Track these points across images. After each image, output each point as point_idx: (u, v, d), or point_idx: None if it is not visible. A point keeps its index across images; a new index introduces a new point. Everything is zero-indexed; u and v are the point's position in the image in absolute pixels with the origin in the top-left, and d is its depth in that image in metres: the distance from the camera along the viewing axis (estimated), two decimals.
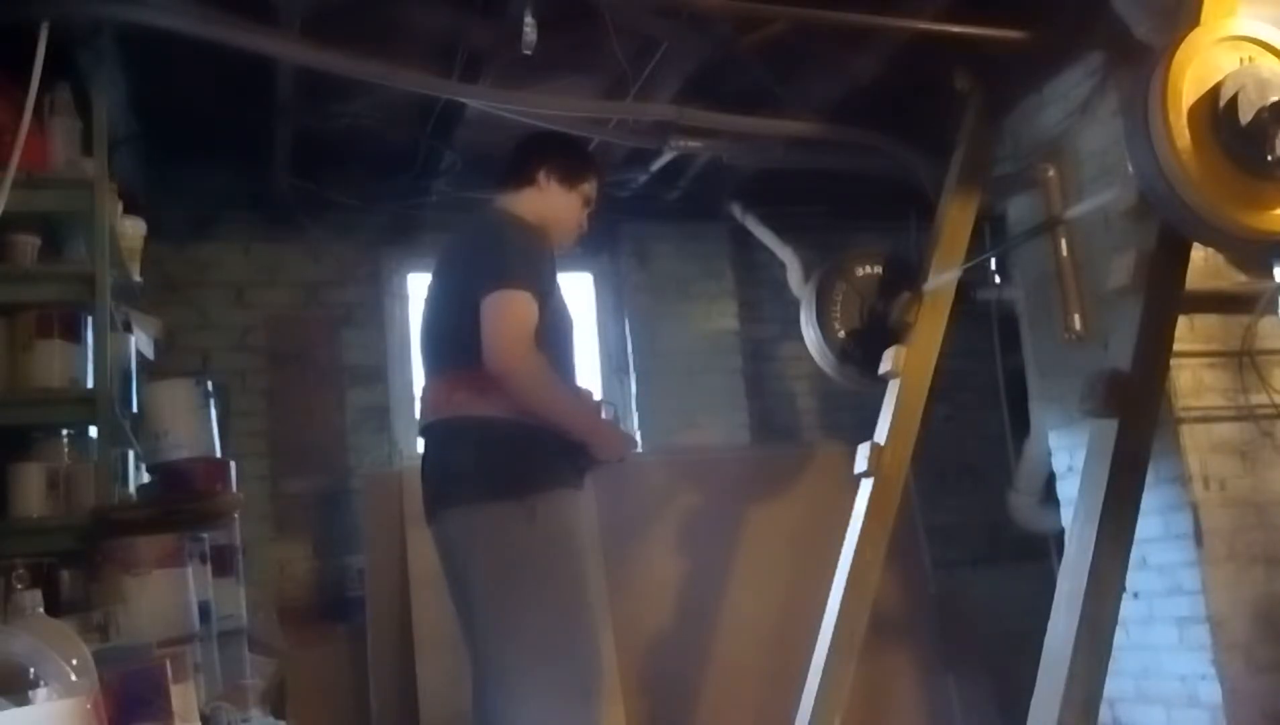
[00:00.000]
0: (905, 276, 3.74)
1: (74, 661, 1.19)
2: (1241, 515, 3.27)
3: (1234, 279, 3.38)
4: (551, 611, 2.26)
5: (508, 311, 2.30)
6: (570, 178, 2.65)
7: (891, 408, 3.41)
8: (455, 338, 2.42)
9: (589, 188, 2.70)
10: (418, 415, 2.58)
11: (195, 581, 2.29)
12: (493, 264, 2.37)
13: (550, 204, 2.61)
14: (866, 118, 3.80)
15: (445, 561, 2.45)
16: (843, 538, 3.32)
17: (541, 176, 2.62)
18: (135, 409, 2.91)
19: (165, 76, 3.41)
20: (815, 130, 3.81)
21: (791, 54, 3.51)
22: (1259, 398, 3.36)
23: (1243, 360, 3.36)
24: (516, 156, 2.69)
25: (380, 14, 3.24)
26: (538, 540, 2.27)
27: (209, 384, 3.08)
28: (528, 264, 2.39)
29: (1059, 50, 3.57)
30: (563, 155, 2.69)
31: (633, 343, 4.75)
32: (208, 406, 3.01)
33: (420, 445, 2.56)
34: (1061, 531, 3.78)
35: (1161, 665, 3.33)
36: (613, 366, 4.77)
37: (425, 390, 2.54)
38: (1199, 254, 3.07)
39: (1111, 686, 2.89)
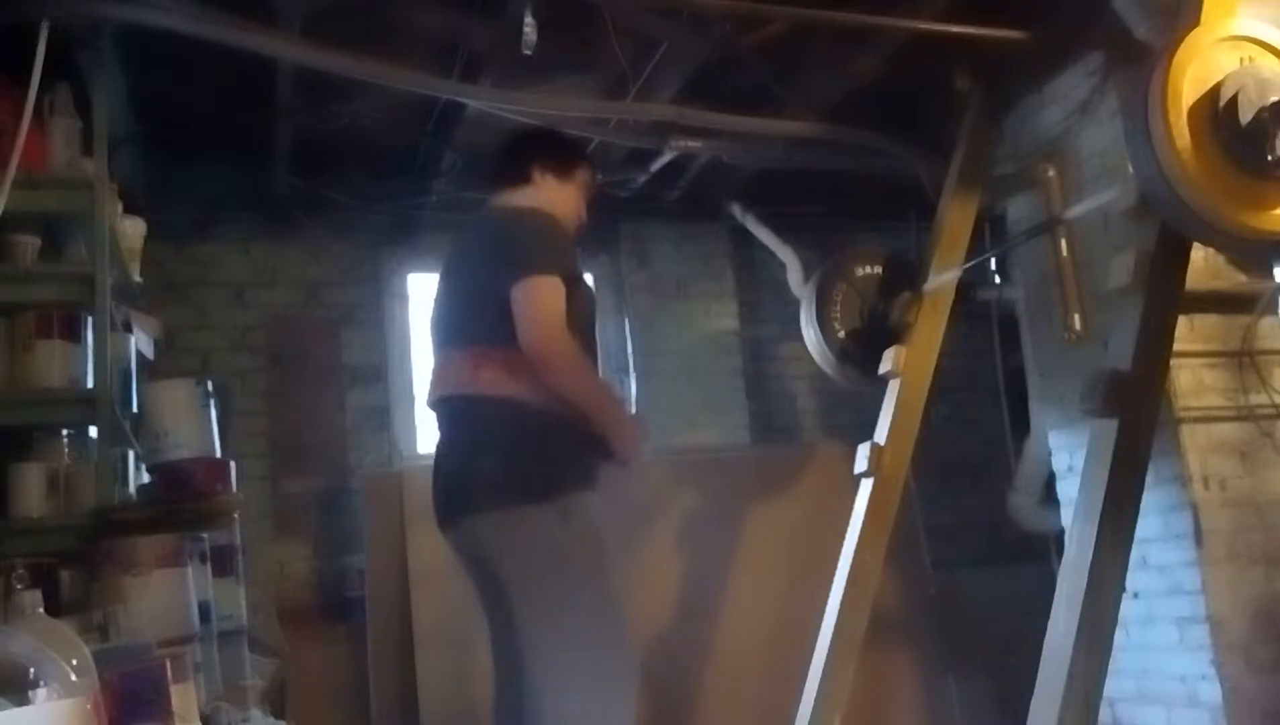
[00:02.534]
0: (905, 276, 3.74)
1: (74, 661, 1.19)
2: (1241, 515, 3.27)
3: (1234, 279, 3.38)
4: (590, 609, 2.27)
5: (539, 297, 2.30)
6: (563, 170, 2.65)
7: (891, 408, 3.41)
8: (484, 316, 2.39)
9: (583, 176, 2.70)
10: (430, 388, 2.52)
11: (195, 581, 2.29)
12: (517, 254, 2.37)
13: (548, 199, 2.60)
14: (866, 118, 3.80)
15: (472, 564, 2.44)
16: (843, 538, 3.33)
17: (536, 174, 2.62)
18: (135, 409, 2.91)
19: (165, 76, 3.41)
20: (815, 130, 3.81)
21: (791, 54, 3.51)
22: (1259, 398, 3.36)
23: (1243, 360, 3.36)
24: (507, 158, 2.69)
25: (380, 14, 3.24)
26: (572, 540, 2.28)
27: (209, 384, 3.08)
28: (550, 250, 2.39)
29: (1059, 50, 3.57)
30: (552, 150, 2.70)
31: (633, 343, 4.75)
32: (208, 406, 3.01)
33: (434, 421, 2.52)
34: (1061, 531, 3.78)
35: (1161, 665, 3.33)
36: (613, 366, 4.77)
37: (443, 363, 2.50)
38: (1199, 254, 3.07)
39: (1111, 686, 2.89)
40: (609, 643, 2.28)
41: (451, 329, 2.52)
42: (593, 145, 4.04)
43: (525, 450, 2.32)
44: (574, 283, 2.41)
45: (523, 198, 2.60)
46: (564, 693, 2.23)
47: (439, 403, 2.48)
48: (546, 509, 2.28)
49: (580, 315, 2.43)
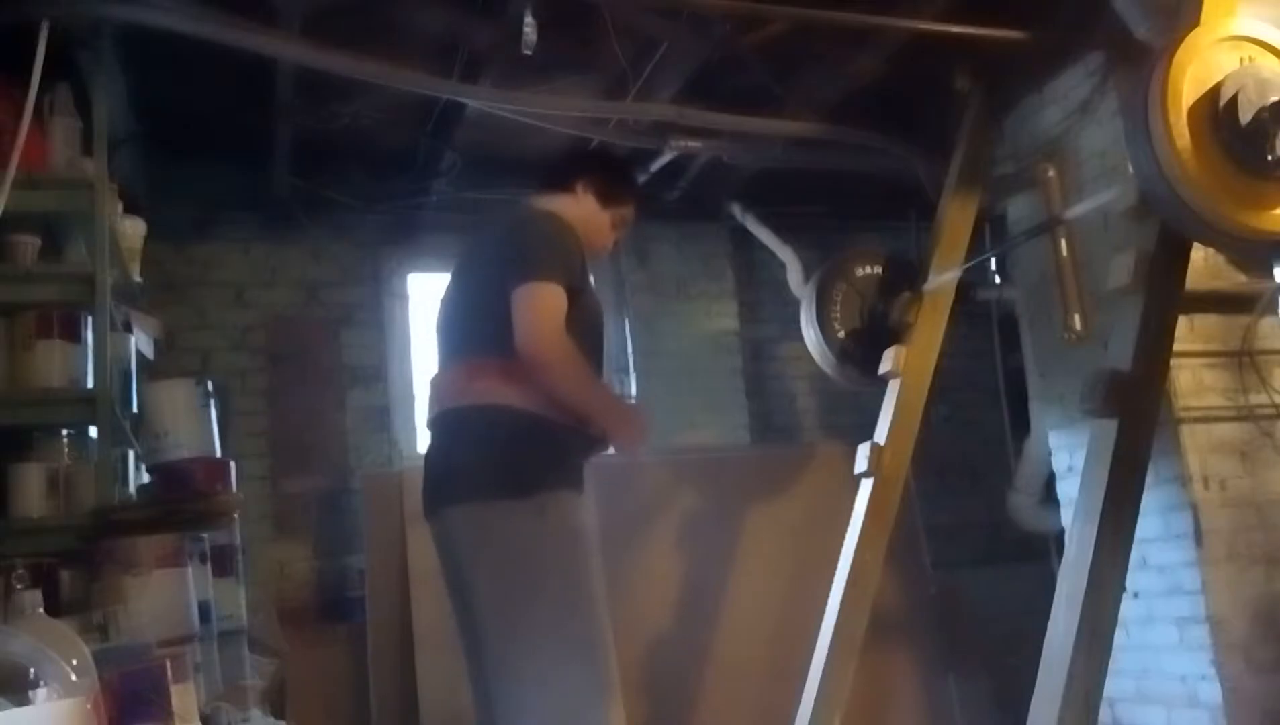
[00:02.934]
0: (905, 276, 3.74)
1: (74, 661, 1.19)
2: (1241, 515, 3.27)
3: (1234, 279, 3.38)
4: (563, 608, 2.25)
5: (538, 302, 2.29)
6: (607, 197, 2.63)
7: (891, 408, 3.41)
8: (482, 326, 2.40)
9: (625, 212, 2.68)
10: (428, 404, 2.53)
11: (195, 581, 2.29)
12: (522, 257, 2.36)
13: (582, 215, 2.59)
14: (866, 118, 3.80)
15: (446, 558, 2.43)
16: (843, 538, 3.33)
17: (579, 187, 2.61)
18: (135, 409, 2.91)
19: (165, 76, 3.41)
20: (815, 130, 3.81)
21: (791, 54, 3.51)
22: (1259, 398, 3.36)
23: (1243, 360, 3.36)
24: (559, 163, 2.70)
25: (380, 14, 3.24)
26: (547, 537, 2.26)
27: (209, 384, 3.07)
28: (556, 258, 2.38)
29: (1059, 50, 3.57)
30: (606, 173, 2.67)
31: (633, 343, 4.75)
32: (208, 406, 3.00)
33: (429, 434, 2.52)
34: (1061, 531, 3.78)
35: (1161, 665, 3.33)
36: (613, 366, 4.77)
37: (440, 377, 2.50)
38: (1199, 254, 3.07)
39: (1111, 686, 2.89)
40: (578, 644, 2.24)
41: (450, 340, 2.52)
42: (593, 145, 4.04)
43: (508, 447, 2.31)
44: (579, 293, 2.40)
45: (556, 204, 2.58)
46: (535, 693, 2.20)
47: (435, 419, 2.48)
48: (523, 504, 2.26)
49: (585, 325, 2.42)
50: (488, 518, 2.29)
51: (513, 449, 2.31)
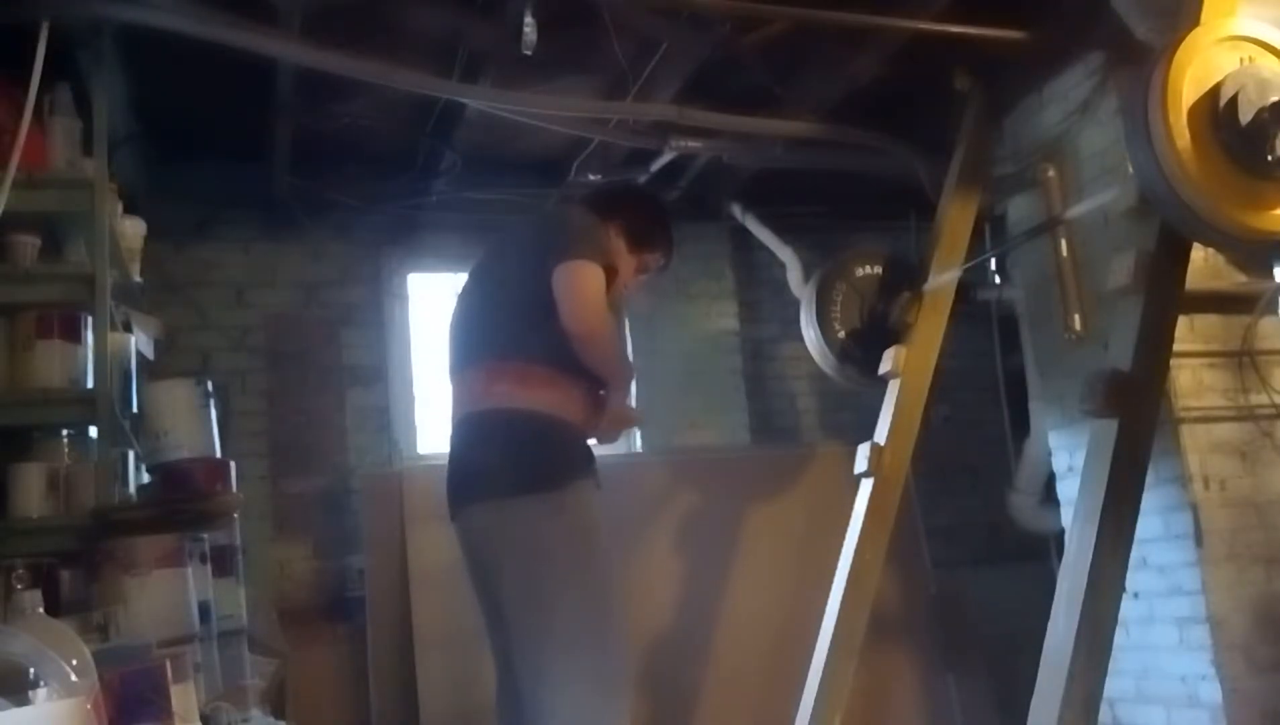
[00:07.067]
0: (905, 276, 3.74)
1: (74, 661, 1.19)
2: (1241, 515, 3.27)
3: (1234, 279, 3.38)
4: (585, 601, 2.29)
5: (581, 279, 2.37)
6: (636, 240, 2.71)
7: (891, 408, 3.41)
8: (503, 327, 2.46)
9: (650, 260, 2.76)
10: (452, 406, 2.58)
11: (195, 581, 2.29)
12: (564, 240, 2.43)
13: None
14: (866, 118, 3.80)
15: (471, 556, 2.48)
16: (843, 538, 3.33)
17: (613, 226, 2.67)
18: (135, 409, 2.91)
19: (165, 76, 3.41)
20: (815, 130, 3.81)
21: (791, 54, 3.51)
22: (1259, 398, 3.36)
23: (1243, 360, 3.36)
24: (607, 191, 2.76)
25: (380, 14, 3.24)
26: (568, 531, 2.31)
27: (209, 384, 3.07)
28: (596, 242, 2.47)
29: (1059, 50, 3.57)
30: (639, 217, 2.74)
31: (632, 343, 4.75)
32: (208, 406, 3.00)
33: (452, 436, 2.56)
34: (1061, 531, 3.78)
35: (1161, 665, 3.33)
36: None
37: (462, 382, 2.55)
38: (1199, 254, 3.07)
39: (1111, 686, 2.89)
40: (599, 637, 2.28)
41: (470, 340, 2.56)
42: (592, 145, 4.04)
43: (528, 446, 2.37)
44: (610, 280, 2.49)
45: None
46: (553, 687, 2.24)
47: (459, 422, 2.52)
48: (542, 500, 2.31)
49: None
50: (509, 512, 2.34)
51: (532, 447, 2.37)
